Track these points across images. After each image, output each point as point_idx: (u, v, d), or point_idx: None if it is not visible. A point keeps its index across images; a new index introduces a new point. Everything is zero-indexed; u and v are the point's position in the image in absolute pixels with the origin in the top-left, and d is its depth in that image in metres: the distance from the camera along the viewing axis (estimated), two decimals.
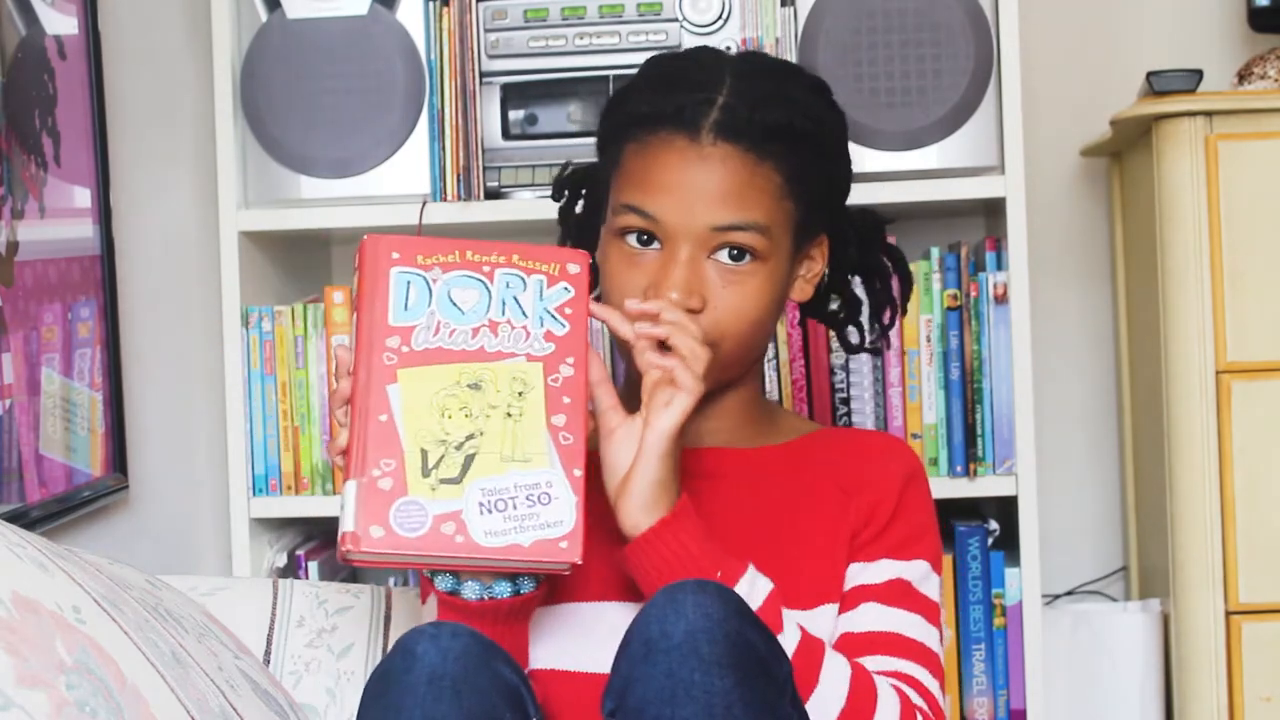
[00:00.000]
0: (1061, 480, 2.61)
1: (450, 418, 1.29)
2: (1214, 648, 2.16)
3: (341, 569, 2.36)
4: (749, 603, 1.30)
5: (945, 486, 2.23)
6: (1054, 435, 2.61)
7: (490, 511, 1.27)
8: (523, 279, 1.33)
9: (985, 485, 2.24)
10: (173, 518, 2.23)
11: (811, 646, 1.37)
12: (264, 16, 2.25)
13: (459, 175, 2.24)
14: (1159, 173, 2.20)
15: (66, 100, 1.91)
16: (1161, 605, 2.33)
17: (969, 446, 2.24)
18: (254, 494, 2.28)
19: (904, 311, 1.70)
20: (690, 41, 2.20)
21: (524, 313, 1.32)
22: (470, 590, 1.33)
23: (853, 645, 1.44)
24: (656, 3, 2.23)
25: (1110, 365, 2.63)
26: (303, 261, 2.54)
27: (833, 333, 1.76)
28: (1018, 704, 2.27)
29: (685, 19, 2.22)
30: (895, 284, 1.65)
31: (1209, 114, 2.17)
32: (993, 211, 2.41)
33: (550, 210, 1.66)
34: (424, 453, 1.27)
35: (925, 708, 1.41)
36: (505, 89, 2.26)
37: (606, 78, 2.24)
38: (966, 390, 2.24)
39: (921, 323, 2.25)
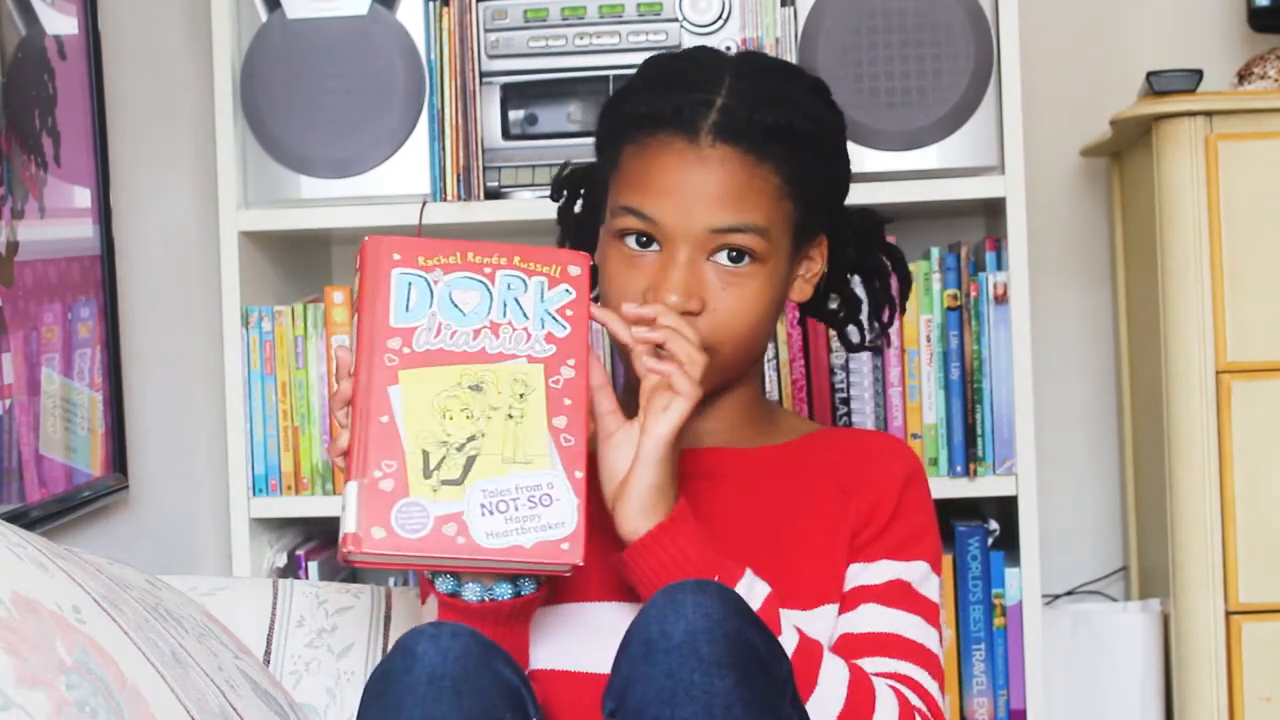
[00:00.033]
0: (1061, 480, 2.61)
1: (451, 419, 1.29)
2: (1214, 648, 2.16)
3: (341, 569, 2.36)
4: None
5: (945, 486, 2.23)
6: (1054, 435, 2.61)
7: (492, 513, 1.27)
8: (524, 280, 1.33)
9: (985, 485, 2.24)
10: (173, 518, 2.23)
11: (809, 649, 1.37)
12: (264, 16, 2.25)
13: (459, 175, 2.24)
14: (1159, 173, 2.20)
15: (66, 100, 1.91)
16: (1161, 605, 2.33)
17: (969, 446, 2.24)
18: (254, 494, 2.28)
19: (903, 310, 1.70)
20: (690, 41, 2.20)
21: (525, 314, 1.32)
22: (471, 592, 1.33)
23: (852, 646, 1.44)
24: (656, 3, 2.23)
25: (1110, 365, 2.63)
26: (303, 261, 2.54)
27: (833, 332, 1.76)
28: (1018, 704, 2.27)
29: (685, 19, 2.22)
30: (895, 283, 1.65)
31: (1209, 114, 2.17)
32: (993, 211, 2.41)
33: (550, 210, 1.66)
34: (425, 454, 1.27)
35: (924, 708, 1.41)
36: (505, 89, 2.26)
37: (606, 78, 2.24)
38: (966, 390, 2.24)
39: (921, 323, 2.25)
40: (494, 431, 1.29)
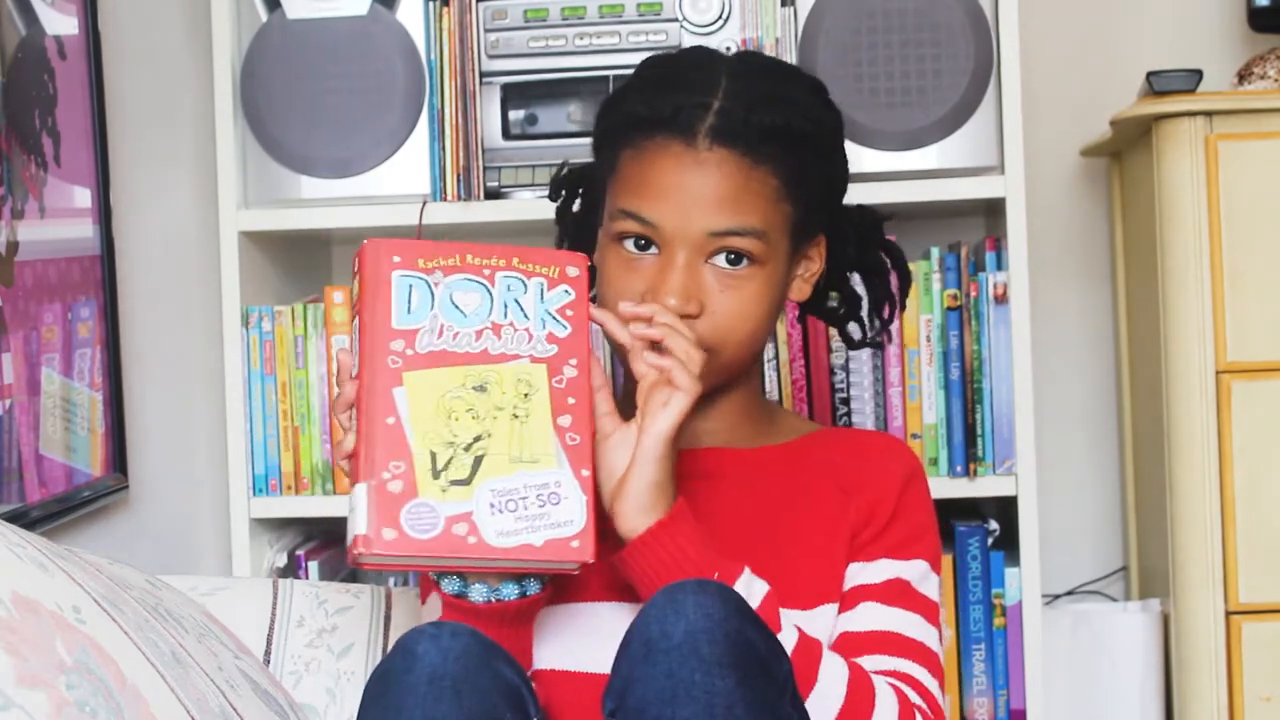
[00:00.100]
0: (1061, 480, 2.61)
1: (457, 419, 1.29)
2: (1214, 648, 2.16)
3: (341, 569, 2.36)
4: None
5: (945, 486, 2.23)
6: (1054, 435, 2.61)
7: (501, 512, 1.27)
8: (523, 282, 1.33)
9: (985, 485, 2.24)
10: (173, 518, 2.23)
11: (809, 647, 1.37)
12: (264, 16, 2.25)
13: (459, 175, 2.23)
14: (1159, 173, 2.20)
15: (66, 100, 1.91)
16: (1161, 605, 2.33)
17: (969, 446, 2.24)
18: (254, 494, 2.28)
19: (903, 307, 1.70)
20: (690, 42, 2.20)
21: (526, 315, 1.33)
22: (477, 593, 1.33)
23: (852, 645, 1.44)
24: (656, 3, 2.23)
25: (1110, 365, 2.63)
26: (303, 261, 2.54)
27: (833, 330, 1.76)
28: (1018, 704, 2.27)
29: (685, 19, 2.22)
30: (895, 280, 1.65)
31: (1209, 114, 2.17)
32: (993, 211, 2.41)
33: (550, 210, 1.66)
34: (433, 455, 1.27)
35: (924, 706, 1.41)
36: (505, 89, 2.26)
37: (606, 78, 2.23)
38: (966, 390, 2.24)
39: (921, 323, 2.25)
40: (500, 431, 1.29)
